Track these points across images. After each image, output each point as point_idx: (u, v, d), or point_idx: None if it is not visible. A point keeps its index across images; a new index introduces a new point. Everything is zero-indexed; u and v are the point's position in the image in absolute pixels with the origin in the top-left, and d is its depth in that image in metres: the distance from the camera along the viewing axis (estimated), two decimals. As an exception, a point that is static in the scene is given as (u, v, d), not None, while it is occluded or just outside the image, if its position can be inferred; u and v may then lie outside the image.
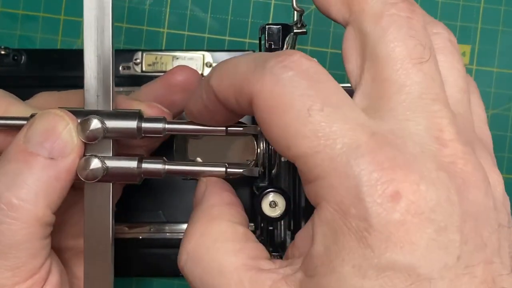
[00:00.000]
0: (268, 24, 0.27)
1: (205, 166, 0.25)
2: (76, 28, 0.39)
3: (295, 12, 0.27)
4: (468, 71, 0.39)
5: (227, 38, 0.40)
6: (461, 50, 0.39)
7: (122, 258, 0.28)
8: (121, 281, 0.39)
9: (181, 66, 0.30)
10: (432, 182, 0.19)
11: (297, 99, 0.19)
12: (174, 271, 0.37)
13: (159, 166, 0.25)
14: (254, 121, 0.28)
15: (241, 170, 0.25)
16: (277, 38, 0.27)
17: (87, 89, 0.24)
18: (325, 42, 0.39)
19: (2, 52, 0.35)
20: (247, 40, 0.39)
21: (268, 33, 0.27)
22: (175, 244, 0.37)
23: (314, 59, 0.21)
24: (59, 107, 0.24)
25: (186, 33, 0.39)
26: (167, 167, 0.25)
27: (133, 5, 0.39)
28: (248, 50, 0.39)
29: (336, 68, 0.39)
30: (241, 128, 0.25)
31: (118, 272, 0.28)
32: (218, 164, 0.25)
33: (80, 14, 0.40)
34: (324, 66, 0.39)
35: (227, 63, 0.22)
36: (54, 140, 0.23)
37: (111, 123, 0.24)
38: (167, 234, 0.36)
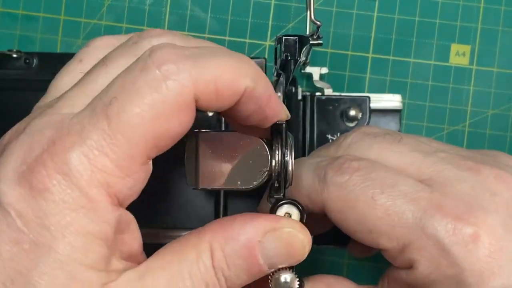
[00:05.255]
0: (285, 36, 0.27)
1: None
2: (76, 29, 0.39)
3: (308, 22, 0.27)
4: (468, 71, 0.39)
5: (227, 38, 0.40)
6: (461, 50, 0.40)
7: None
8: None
9: None
10: (495, 215, 0.23)
11: (360, 193, 0.24)
12: None
13: None
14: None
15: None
16: (293, 49, 0.27)
17: None
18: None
19: (14, 56, 0.35)
20: (247, 40, 0.39)
21: (284, 45, 0.27)
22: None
23: (362, 158, 0.26)
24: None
25: (186, 33, 0.39)
26: None
27: (133, 5, 0.39)
28: (250, 51, 0.39)
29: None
30: None
31: None
32: None
33: (80, 14, 0.40)
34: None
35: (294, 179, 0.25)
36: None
37: None
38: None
